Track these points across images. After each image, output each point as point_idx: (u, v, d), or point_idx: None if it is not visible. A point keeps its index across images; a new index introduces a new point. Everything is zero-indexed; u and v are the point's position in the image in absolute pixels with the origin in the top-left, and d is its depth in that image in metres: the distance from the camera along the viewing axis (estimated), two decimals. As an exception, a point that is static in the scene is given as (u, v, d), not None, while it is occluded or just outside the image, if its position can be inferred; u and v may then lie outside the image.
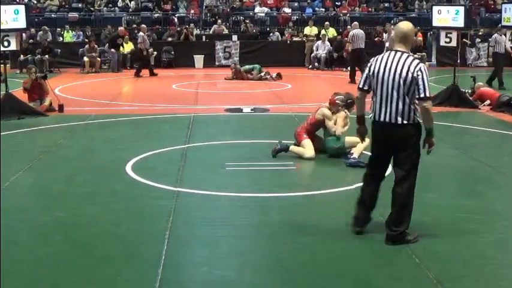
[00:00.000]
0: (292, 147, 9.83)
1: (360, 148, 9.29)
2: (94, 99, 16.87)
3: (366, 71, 6.17)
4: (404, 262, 5.73)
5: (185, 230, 6.59)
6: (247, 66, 22.80)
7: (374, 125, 6.18)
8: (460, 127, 12.69)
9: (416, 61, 5.95)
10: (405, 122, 5.98)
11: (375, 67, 6.04)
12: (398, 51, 6.00)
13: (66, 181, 8.59)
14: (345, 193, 8.02)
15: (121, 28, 26.75)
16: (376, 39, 27.78)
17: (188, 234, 6.45)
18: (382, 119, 6.05)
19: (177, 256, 5.88)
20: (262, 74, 22.09)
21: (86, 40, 26.65)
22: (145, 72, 23.45)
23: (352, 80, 20.52)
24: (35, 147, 10.70)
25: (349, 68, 21.95)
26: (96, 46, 25.42)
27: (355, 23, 22.99)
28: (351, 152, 9.41)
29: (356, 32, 21.30)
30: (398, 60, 5.93)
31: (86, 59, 24.81)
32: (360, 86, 6.26)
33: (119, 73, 24.75)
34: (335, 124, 9.78)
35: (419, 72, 5.86)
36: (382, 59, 6.04)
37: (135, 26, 29.49)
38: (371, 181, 6.40)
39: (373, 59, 6.16)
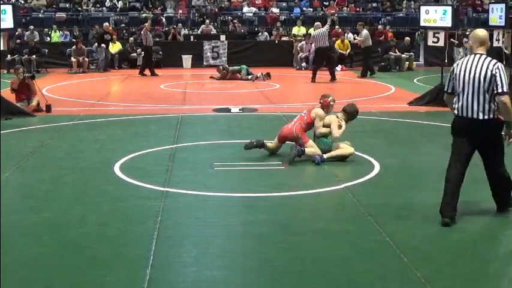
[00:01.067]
0: (309, 150, 9.59)
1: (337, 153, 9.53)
2: (82, 100, 16.82)
3: (450, 75, 6.82)
4: (393, 262, 5.74)
5: (173, 230, 6.59)
6: (235, 67, 22.79)
7: (458, 121, 6.83)
8: (449, 127, 12.63)
9: (495, 61, 6.59)
10: (489, 117, 6.58)
11: (459, 70, 6.67)
12: (478, 53, 6.67)
13: (54, 181, 8.57)
14: (334, 193, 8.04)
15: (106, 24, 26.31)
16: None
17: (177, 235, 6.44)
18: (467, 115, 6.67)
19: (166, 256, 5.87)
20: (249, 77, 22.02)
21: (74, 40, 26.57)
22: (133, 72, 23.38)
23: (313, 78, 21.13)
24: (23, 148, 10.65)
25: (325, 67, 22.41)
26: (83, 46, 25.33)
27: (317, 23, 22.79)
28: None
29: (318, 32, 21.28)
30: (478, 61, 6.60)
31: (73, 59, 24.73)
32: (446, 90, 6.95)
33: (106, 73, 24.67)
34: (339, 128, 9.74)
35: (497, 70, 6.51)
36: (464, 62, 6.67)
37: (123, 25, 29.47)
38: (456, 171, 6.86)
39: (455, 63, 6.78)
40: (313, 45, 22.82)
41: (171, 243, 6.21)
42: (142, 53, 25.31)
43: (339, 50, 26.55)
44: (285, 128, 9.99)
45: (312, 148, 9.62)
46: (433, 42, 16.08)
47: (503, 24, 15.17)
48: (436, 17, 15.66)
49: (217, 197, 7.81)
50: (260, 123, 13.36)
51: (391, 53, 26.09)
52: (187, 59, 26.83)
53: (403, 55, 26.29)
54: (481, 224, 6.90)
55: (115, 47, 26.16)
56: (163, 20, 30.18)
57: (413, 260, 5.70)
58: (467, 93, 6.62)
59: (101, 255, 5.91)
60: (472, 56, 6.73)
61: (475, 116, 6.61)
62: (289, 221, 6.94)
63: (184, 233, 6.53)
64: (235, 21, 29.96)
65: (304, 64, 26.46)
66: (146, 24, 24.65)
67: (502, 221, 6.94)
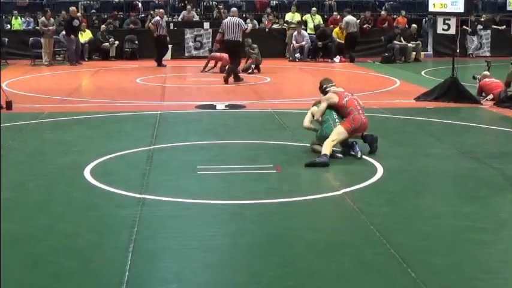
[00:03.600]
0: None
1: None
2: (47, 95, 16.78)
3: None
4: (398, 276, 5.75)
5: (151, 242, 6.57)
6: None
7: None
8: (460, 125, 12.77)
9: None
10: None
11: None
12: None
13: (15, 188, 8.52)
14: (332, 199, 8.05)
15: (73, 8, 25.70)
16: (364, 26, 27.94)
17: (155, 247, 6.43)
18: None
19: (143, 272, 5.86)
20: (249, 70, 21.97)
21: (37, 28, 26.46)
22: (106, 64, 23.30)
23: (226, 80, 19.47)
24: (-20, 150, 10.61)
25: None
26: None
27: (233, 9, 21.37)
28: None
29: (228, 21, 19.59)
30: None
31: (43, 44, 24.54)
32: None
33: (76, 65, 24.61)
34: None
35: None
36: None
37: (93, 11, 29.39)
38: None
39: None
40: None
41: (149, 257, 6.20)
42: (116, 42, 25.28)
43: (337, 39, 26.59)
44: (363, 118, 10.12)
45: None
46: (443, 29, 16.09)
47: (523, 9, 15.25)
48: (446, 1, 15.69)
49: (200, 205, 7.80)
50: (248, 122, 13.36)
51: (395, 42, 26.15)
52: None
53: (409, 44, 26.36)
54: (498, 236, 6.91)
55: (85, 36, 26.11)
56: (140, 5, 30.13)
57: (421, 274, 5.71)
58: None
59: (69, 271, 5.88)
60: None
61: None
62: (282, 231, 6.94)
63: (163, 245, 6.52)
64: (221, 6, 29.93)
65: (298, 55, 26.50)
66: (161, 10, 25.41)
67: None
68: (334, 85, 10.51)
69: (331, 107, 10.09)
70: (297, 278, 5.73)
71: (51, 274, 5.81)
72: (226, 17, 21.79)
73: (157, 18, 24.44)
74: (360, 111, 10.03)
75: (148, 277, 5.79)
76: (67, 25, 25.23)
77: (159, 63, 24.32)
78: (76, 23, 25.19)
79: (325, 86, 10.46)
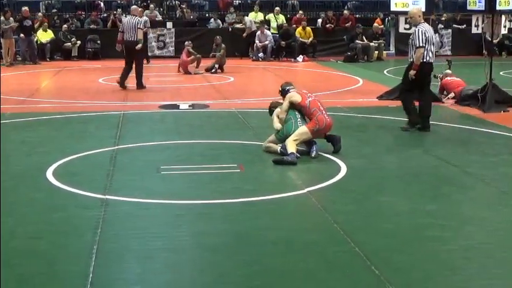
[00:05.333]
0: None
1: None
2: (7, 96, 16.59)
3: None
4: (362, 274, 5.78)
5: (115, 243, 6.54)
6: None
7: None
8: (422, 123, 12.88)
9: None
10: None
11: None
12: None
13: (-24, 190, 8.42)
14: (296, 198, 8.07)
15: (25, 8, 25.41)
16: (327, 25, 28.07)
17: (118, 249, 6.40)
18: None
19: (106, 273, 5.83)
20: (212, 70, 21.93)
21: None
22: (68, 64, 23.09)
23: (121, 84, 18.29)
24: None
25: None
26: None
27: (133, 7, 20.43)
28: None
29: (127, 20, 18.46)
30: None
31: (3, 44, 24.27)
32: None
33: (36, 65, 24.39)
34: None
35: None
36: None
37: (54, 11, 29.12)
38: None
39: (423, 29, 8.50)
40: None
41: (113, 258, 6.17)
42: (78, 42, 25.08)
43: (300, 39, 26.70)
44: (327, 118, 10.11)
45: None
46: (405, 29, 16.24)
47: (483, 8, 15.36)
48: (408, 0, 15.80)
49: (164, 205, 7.78)
50: (212, 121, 13.35)
51: (357, 41, 26.30)
52: (129, 49, 26.66)
53: (372, 43, 26.53)
54: (459, 233, 6.98)
55: (46, 36, 25.87)
56: (101, 4, 29.93)
57: (385, 272, 5.74)
58: None
59: (31, 273, 5.83)
60: None
61: None
62: (248, 230, 6.94)
63: (127, 246, 6.49)
64: (184, 6, 29.88)
65: (261, 54, 26.52)
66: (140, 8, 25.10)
67: (480, 228, 7.04)
68: (294, 88, 10.52)
69: (294, 107, 10.10)
70: (263, 278, 5.74)
71: (13, 276, 5.74)
72: (127, 16, 20.91)
73: (146, 18, 24.36)
74: (324, 112, 10.06)
75: (112, 278, 5.76)
76: (18, 25, 24.92)
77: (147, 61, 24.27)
78: (28, 22, 24.88)
79: (287, 88, 10.43)
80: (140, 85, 18.27)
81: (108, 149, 10.61)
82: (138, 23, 17.96)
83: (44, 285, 5.61)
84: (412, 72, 12.01)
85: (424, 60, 12.03)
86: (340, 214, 7.34)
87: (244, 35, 27.24)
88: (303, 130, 9.85)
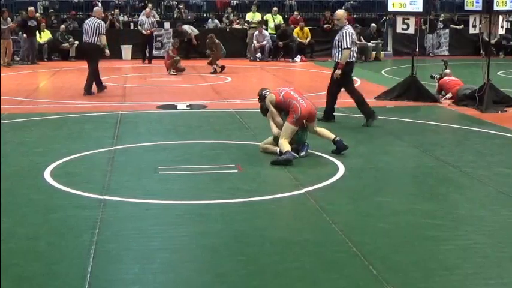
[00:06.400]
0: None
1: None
2: (5, 96, 16.57)
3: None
4: (360, 274, 5.79)
5: (113, 243, 6.54)
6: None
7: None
8: (420, 123, 12.90)
9: None
10: None
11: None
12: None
13: (-26, 190, 8.42)
14: (294, 198, 8.08)
15: (31, 8, 25.64)
16: (325, 26, 28.07)
17: (117, 249, 6.40)
18: None
19: (104, 274, 5.83)
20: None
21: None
22: (65, 64, 23.04)
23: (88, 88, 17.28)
24: None
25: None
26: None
27: (96, 8, 19.05)
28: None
29: (88, 21, 17.49)
30: None
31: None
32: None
33: (34, 66, 24.38)
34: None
35: None
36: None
37: (52, 11, 29.09)
38: None
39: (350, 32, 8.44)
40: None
41: (110, 258, 6.17)
42: (76, 42, 25.06)
43: (298, 39, 26.70)
44: (303, 104, 9.95)
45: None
46: (403, 29, 16.23)
47: (480, 8, 15.38)
48: (405, 1, 15.82)
49: (162, 205, 7.78)
50: (210, 122, 13.34)
51: (355, 41, 26.30)
52: (126, 50, 26.72)
53: (369, 44, 26.53)
54: (457, 233, 6.99)
55: (44, 36, 25.85)
56: (99, 5, 29.82)
57: (383, 272, 5.76)
58: None
59: (30, 274, 5.83)
60: None
61: None
62: (246, 230, 6.95)
63: (125, 246, 6.49)
64: (181, 6, 29.88)
65: (259, 55, 26.54)
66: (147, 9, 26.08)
67: (477, 228, 7.05)
68: (268, 90, 10.51)
69: (278, 107, 10.11)
70: (261, 277, 5.74)
71: (11, 277, 5.74)
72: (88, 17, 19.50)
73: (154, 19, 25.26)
74: (300, 99, 9.99)
75: (110, 279, 5.76)
76: (22, 24, 24.91)
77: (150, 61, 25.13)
78: (32, 23, 24.92)
79: (263, 92, 10.50)
80: (88, 90, 17.01)
81: (106, 149, 10.61)
82: (98, 27, 16.82)
83: (42, 285, 5.61)
84: (338, 72, 12.68)
85: (349, 60, 12.67)
86: (337, 214, 7.35)
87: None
88: (285, 126, 9.83)
